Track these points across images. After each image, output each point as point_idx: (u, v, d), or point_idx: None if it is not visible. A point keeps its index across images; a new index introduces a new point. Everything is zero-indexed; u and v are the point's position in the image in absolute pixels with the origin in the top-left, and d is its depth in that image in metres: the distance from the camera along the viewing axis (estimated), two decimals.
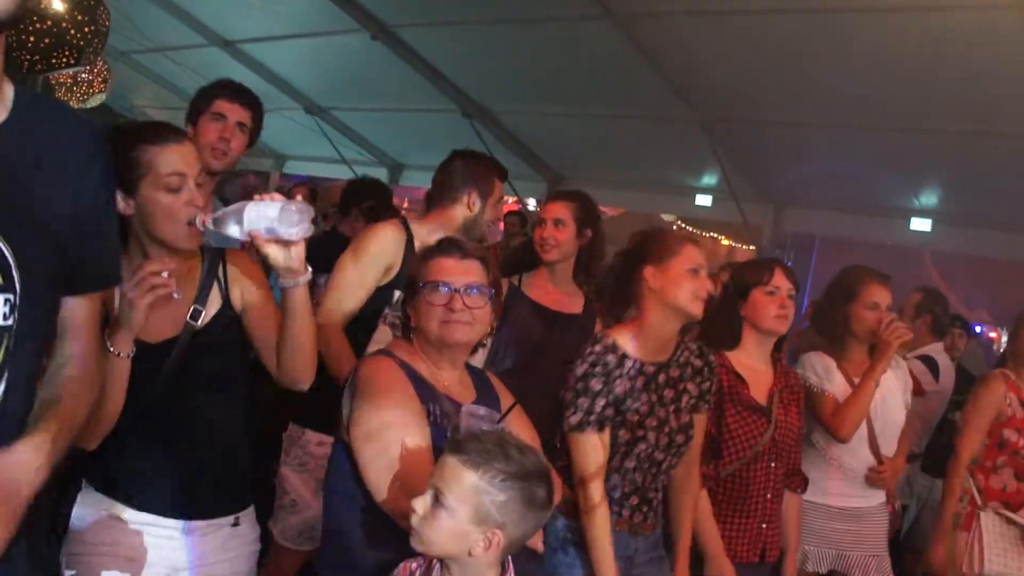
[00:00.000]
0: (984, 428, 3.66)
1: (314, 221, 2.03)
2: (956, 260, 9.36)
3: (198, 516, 2.25)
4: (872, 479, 3.44)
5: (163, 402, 2.16)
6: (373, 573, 2.04)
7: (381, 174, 9.84)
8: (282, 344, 2.23)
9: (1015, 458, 3.60)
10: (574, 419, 2.64)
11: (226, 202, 2.93)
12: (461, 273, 2.23)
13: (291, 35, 7.99)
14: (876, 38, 4.99)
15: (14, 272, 1.40)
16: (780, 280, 3.15)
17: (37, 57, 4.55)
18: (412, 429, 2.06)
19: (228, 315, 2.29)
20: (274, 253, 2.01)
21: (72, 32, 4.74)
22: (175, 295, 2.11)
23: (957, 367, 5.31)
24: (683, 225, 10.72)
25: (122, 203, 2.09)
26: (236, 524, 2.33)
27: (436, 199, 3.37)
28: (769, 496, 3.12)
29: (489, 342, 2.62)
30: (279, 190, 5.31)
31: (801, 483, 3.30)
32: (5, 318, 1.41)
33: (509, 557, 1.86)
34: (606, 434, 2.65)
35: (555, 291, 3.56)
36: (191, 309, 2.22)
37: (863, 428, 3.39)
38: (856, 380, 3.38)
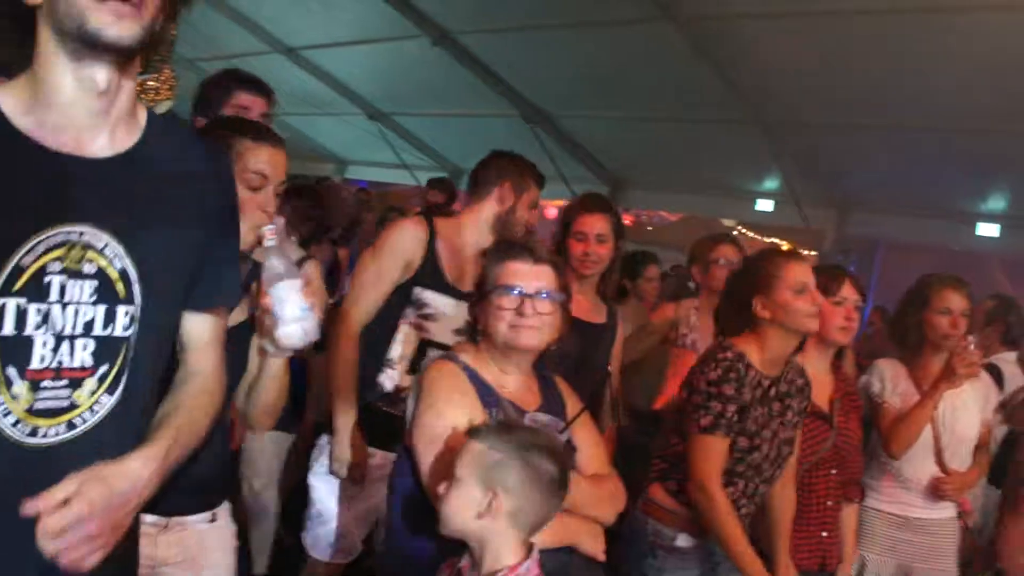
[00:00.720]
0: None
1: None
2: None
3: (177, 513, 2.23)
4: (935, 490, 3.40)
5: None
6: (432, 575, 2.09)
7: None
8: (254, 386, 2.17)
9: None
10: (705, 421, 2.68)
11: None
12: (533, 278, 2.24)
13: (353, 41, 8.12)
14: (942, 38, 4.93)
15: (135, 286, 1.48)
16: (848, 291, 3.16)
17: None
18: None
19: (248, 323, 2.27)
20: (289, 331, 1.88)
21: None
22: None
23: None
24: (743, 231, 10.65)
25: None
26: (213, 520, 2.32)
27: (470, 195, 3.36)
28: (830, 503, 3.12)
29: None
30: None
31: (858, 492, 3.30)
32: (125, 329, 1.47)
33: (536, 546, 1.92)
34: (729, 439, 2.70)
35: (585, 301, 3.44)
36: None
37: (928, 439, 3.36)
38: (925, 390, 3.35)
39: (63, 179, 1.43)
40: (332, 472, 3.16)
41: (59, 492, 1.32)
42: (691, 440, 2.72)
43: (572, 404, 2.39)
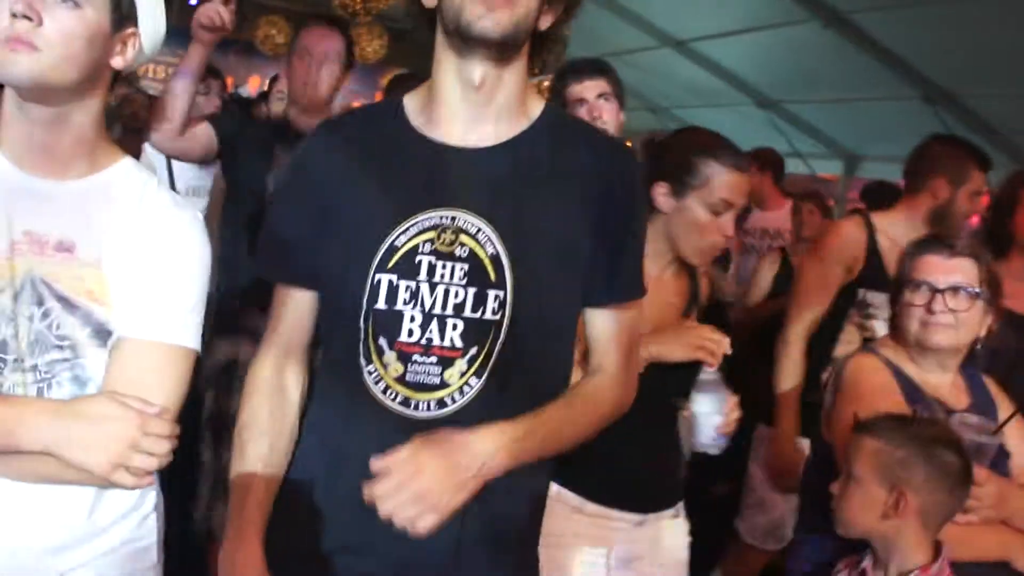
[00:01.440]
0: None
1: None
2: None
3: (652, 509, 2.39)
4: None
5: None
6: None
7: (836, 166, 9.63)
8: None
9: None
10: None
11: None
12: (946, 272, 2.18)
13: (742, 30, 8.10)
14: None
15: (507, 272, 1.53)
16: None
17: None
18: None
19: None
20: (702, 445, 2.25)
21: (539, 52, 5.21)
22: (672, 299, 2.37)
23: None
24: None
25: (662, 198, 2.29)
26: (677, 516, 2.45)
27: (905, 187, 3.29)
28: None
29: None
30: None
31: None
32: (495, 313, 1.53)
33: (942, 544, 1.84)
34: None
35: None
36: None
37: None
38: None
39: (439, 166, 1.56)
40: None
41: (400, 452, 1.44)
42: None
43: (1004, 406, 2.29)
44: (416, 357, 1.53)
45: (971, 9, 6.19)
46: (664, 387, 2.26)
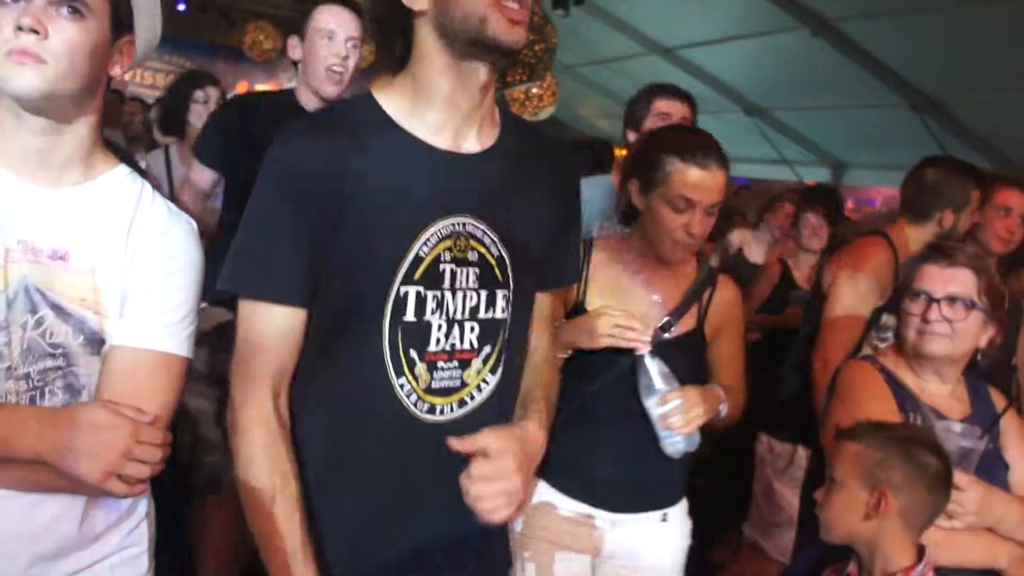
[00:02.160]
0: None
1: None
2: None
3: (627, 509, 2.38)
4: None
5: (605, 397, 2.30)
6: None
7: (823, 174, 9.68)
8: None
9: None
10: None
11: None
12: (943, 282, 2.18)
13: (729, 37, 8.13)
14: None
15: (509, 272, 1.63)
16: None
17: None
18: None
19: (697, 338, 2.39)
20: (670, 447, 2.24)
21: (525, 51, 5.23)
22: (654, 297, 2.33)
23: None
24: None
25: (635, 194, 2.31)
26: (664, 520, 2.43)
27: (907, 212, 3.27)
28: None
29: None
30: None
31: None
32: (503, 311, 1.63)
33: (928, 550, 1.86)
34: None
35: None
36: (664, 320, 2.32)
37: None
38: None
39: (446, 174, 1.57)
40: None
41: (482, 440, 1.46)
42: None
43: (1009, 418, 2.28)
44: (441, 364, 1.57)
45: (957, 18, 6.24)
46: (589, 380, 2.29)
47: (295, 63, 3.13)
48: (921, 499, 1.86)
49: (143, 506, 1.71)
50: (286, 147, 1.52)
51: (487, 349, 1.62)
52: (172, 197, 3.82)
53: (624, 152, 3.40)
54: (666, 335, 2.31)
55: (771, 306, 4.69)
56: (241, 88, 12.61)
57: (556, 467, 2.21)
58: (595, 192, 2.91)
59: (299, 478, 1.51)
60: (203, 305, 1.69)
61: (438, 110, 1.56)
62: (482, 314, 1.60)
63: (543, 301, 1.82)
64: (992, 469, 2.14)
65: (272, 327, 1.51)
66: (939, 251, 2.23)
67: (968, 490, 1.99)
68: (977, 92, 7.19)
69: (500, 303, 1.62)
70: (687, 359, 2.33)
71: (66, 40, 1.44)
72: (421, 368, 1.55)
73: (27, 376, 1.51)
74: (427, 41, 1.53)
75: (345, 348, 1.54)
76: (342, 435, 1.58)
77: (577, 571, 2.37)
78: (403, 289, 1.52)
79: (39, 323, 1.50)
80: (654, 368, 2.19)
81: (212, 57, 12.59)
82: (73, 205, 1.55)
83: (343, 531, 1.58)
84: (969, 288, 2.16)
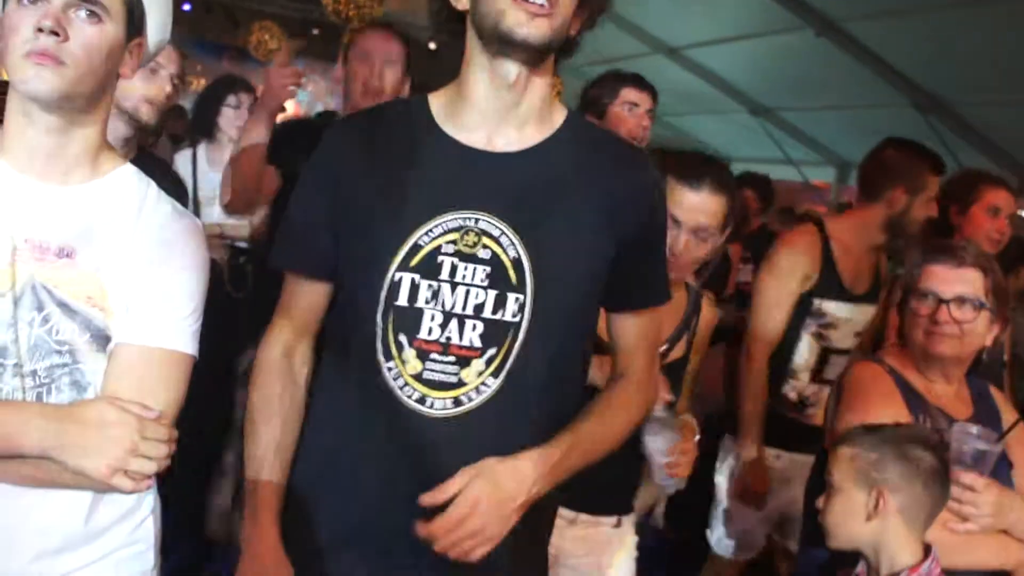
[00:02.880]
0: None
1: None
2: None
3: (585, 510, 2.40)
4: None
5: None
6: None
7: (829, 173, 9.69)
8: None
9: None
10: None
11: None
12: (952, 282, 2.16)
13: (734, 37, 8.15)
14: None
15: (528, 276, 1.57)
16: None
17: None
18: None
19: (684, 364, 2.42)
20: (662, 483, 2.24)
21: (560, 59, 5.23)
22: None
23: None
24: None
25: None
26: (618, 525, 2.46)
27: (861, 192, 3.27)
28: None
29: None
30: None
31: None
32: (514, 315, 1.57)
33: (935, 548, 1.86)
34: None
35: None
36: (664, 347, 2.33)
37: None
38: None
39: (467, 169, 1.58)
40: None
41: (451, 487, 1.50)
42: None
43: (1008, 417, 2.28)
44: (434, 355, 1.57)
45: (962, 18, 6.25)
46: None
47: (343, 89, 3.23)
48: (918, 495, 1.86)
49: (149, 502, 1.72)
50: (326, 138, 1.69)
51: (492, 351, 1.58)
52: (195, 198, 3.86)
53: None
54: (662, 362, 2.28)
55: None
56: None
57: None
58: None
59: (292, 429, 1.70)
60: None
61: (472, 107, 1.59)
62: (488, 314, 1.57)
63: (630, 322, 1.77)
64: (997, 468, 2.14)
65: (296, 295, 1.73)
66: (946, 250, 2.21)
67: (984, 492, 1.99)
68: (982, 92, 7.20)
69: (512, 306, 1.57)
70: (675, 384, 2.33)
71: (84, 42, 1.45)
72: (410, 354, 1.56)
73: (34, 373, 1.52)
74: (471, 39, 1.57)
75: (346, 328, 1.64)
76: (337, 413, 1.67)
77: None
78: (398, 275, 1.55)
79: (46, 320, 1.51)
80: (664, 420, 2.18)
81: (217, 57, 12.61)
82: (80, 203, 1.56)
83: (325, 505, 1.65)
84: (977, 288, 2.15)
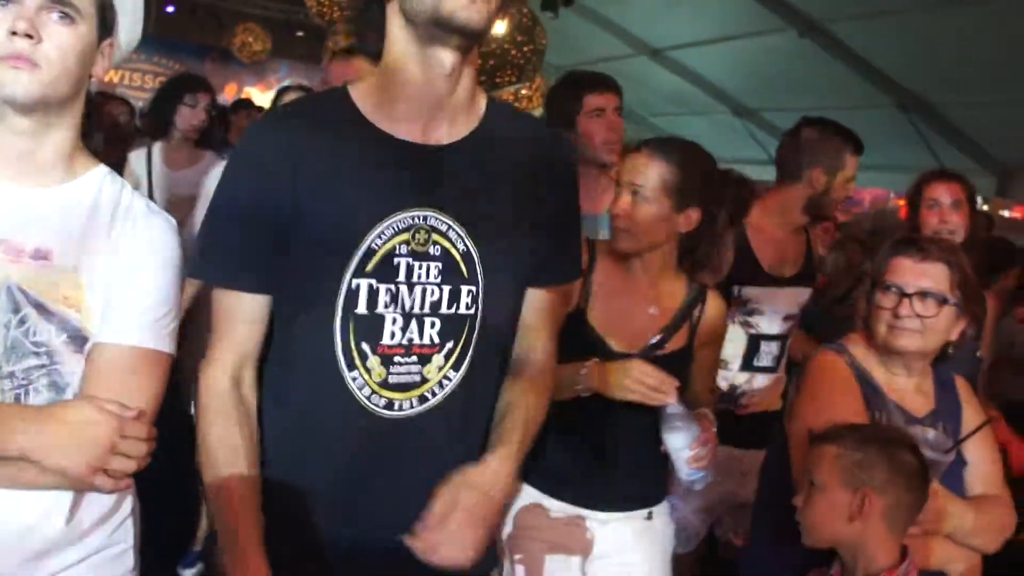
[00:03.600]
0: None
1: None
2: None
3: (615, 509, 2.40)
4: None
5: (589, 403, 2.26)
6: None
7: None
8: None
9: None
10: None
11: None
12: (916, 276, 2.14)
13: (718, 39, 8.16)
14: None
15: (477, 267, 1.59)
16: None
17: (483, 77, 5.07)
18: None
19: (687, 355, 2.39)
20: (688, 480, 2.21)
21: (513, 52, 5.24)
22: (651, 310, 2.33)
23: None
24: None
25: None
26: (649, 518, 2.44)
27: (779, 173, 3.21)
28: None
29: None
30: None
31: None
32: (468, 308, 1.59)
33: (910, 550, 1.86)
34: None
35: None
36: (659, 336, 2.33)
37: None
38: None
39: (408, 166, 1.55)
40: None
41: (438, 508, 1.50)
42: None
43: (970, 412, 2.26)
44: (398, 358, 1.56)
45: (946, 19, 6.28)
46: (601, 410, 2.27)
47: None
48: (902, 498, 1.86)
49: (128, 503, 1.71)
50: (248, 139, 1.60)
51: (449, 345, 1.59)
52: (151, 198, 3.83)
53: None
54: (658, 352, 2.31)
55: None
56: (230, 91, 12.60)
57: (543, 469, 2.20)
58: None
59: (256, 463, 1.57)
60: None
61: (405, 100, 1.55)
62: (444, 309, 1.57)
63: (539, 298, 1.75)
64: (950, 466, 2.14)
65: (236, 313, 1.59)
66: (912, 244, 2.20)
67: (929, 500, 1.99)
68: (965, 92, 7.23)
69: (465, 299, 1.58)
70: (677, 375, 2.30)
71: (59, 45, 1.45)
72: (374, 361, 1.54)
73: (11, 375, 1.50)
74: (395, 29, 1.53)
75: (299, 340, 1.57)
76: (297, 429, 1.61)
77: (567, 572, 2.37)
78: (355, 281, 1.52)
79: (22, 322, 1.50)
80: (680, 415, 2.17)
81: (201, 59, 12.58)
82: (55, 205, 1.55)
83: (296, 525, 1.60)
84: (941, 283, 2.12)
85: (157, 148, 4.12)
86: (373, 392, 1.55)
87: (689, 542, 3.33)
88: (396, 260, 1.53)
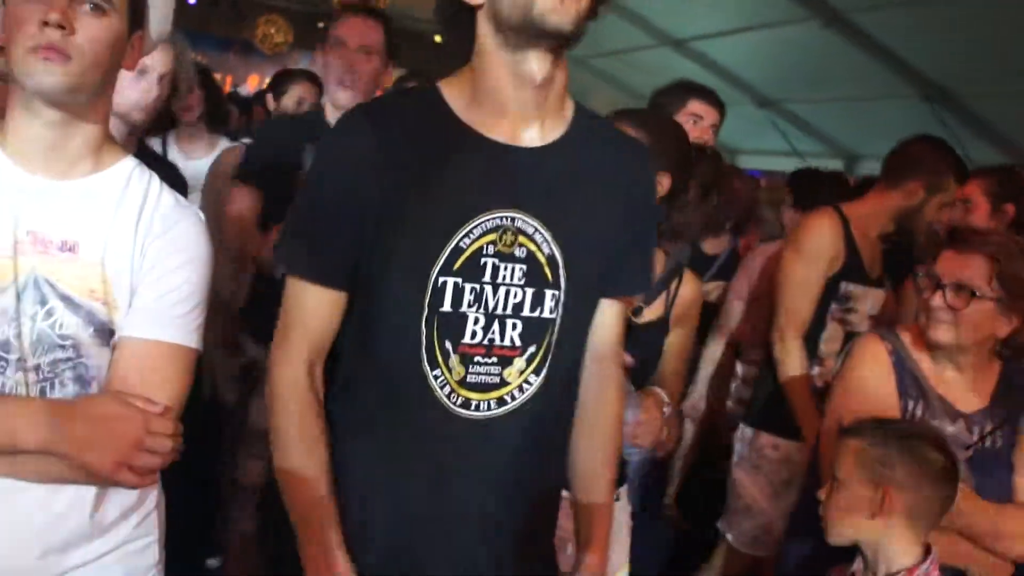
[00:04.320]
0: None
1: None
2: None
3: None
4: None
5: None
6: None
7: (836, 165, 9.61)
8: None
9: None
10: None
11: None
12: (953, 268, 2.14)
13: (740, 29, 8.11)
14: None
15: (561, 272, 1.58)
16: None
17: None
18: None
19: (663, 326, 2.38)
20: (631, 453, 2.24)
21: None
22: None
23: None
24: None
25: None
26: (618, 499, 2.37)
27: (882, 178, 3.23)
28: None
29: None
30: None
31: None
32: (551, 312, 1.58)
33: (934, 549, 1.84)
34: None
35: None
36: (636, 306, 2.32)
37: None
38: None
39: (499, 167, 1.55)
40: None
41: None
42: None
43: None
44: (478, 358, 1.55)
45: (969, 9, 6.21)
46: None
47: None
48: (926, 496, 1.84)
49: (153, 496, 1.71)
50: (339, 133, 1.60)
51: (532, 349, 1.58)
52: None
53: None
54: (634, 319, 2.29)
55: None
56: (252, 81, 12.63)
57: None
58: None
59: (330, 457, 1.57)
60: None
61: (495, 103, 1.55)
62: (527, 312, 1.57)
63: (611, 310, 1.76)
64: (994, 467, 2.12)
65: (313, 307, 1.57)
66: (957, 236, 2.20)
67: None
68: (989, 83, 7.15)
69: (548, 303, 1.58)
70: (652, 345, 2.34)
71: (90, 37, 1.45)
72: (455, 360, 1.54)
73: (37, 368, 1.51)
74: (485, 35, 1.52)
75: (383, 336, 1.56)
76: (378, 425, 1.60)
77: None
78: (441, 279, 1.51)
79: (49, 314, 1.50)
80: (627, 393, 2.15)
81: (223, 51, 12.61)
82: (83, 196, 1.55)
83: (374, 521, 1.59)
84: (978, 276, 2.10)
85: (172, 136, 4.11)
86: (452, 391, 1.55)
87: (769, 546, 3.30)
88: (483, 260, 1.53)
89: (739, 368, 3.83)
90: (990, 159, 7.42)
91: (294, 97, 4.50)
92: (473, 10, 1.52)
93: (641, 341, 2.23)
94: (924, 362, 2.21)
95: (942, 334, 2.14)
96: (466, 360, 1.54)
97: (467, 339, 1.54)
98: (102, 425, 1.44)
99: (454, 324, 1.53)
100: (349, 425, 1.61)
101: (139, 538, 1.68)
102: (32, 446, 1.43)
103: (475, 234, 1.52)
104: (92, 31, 1.46)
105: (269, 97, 4.81)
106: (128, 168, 1.62)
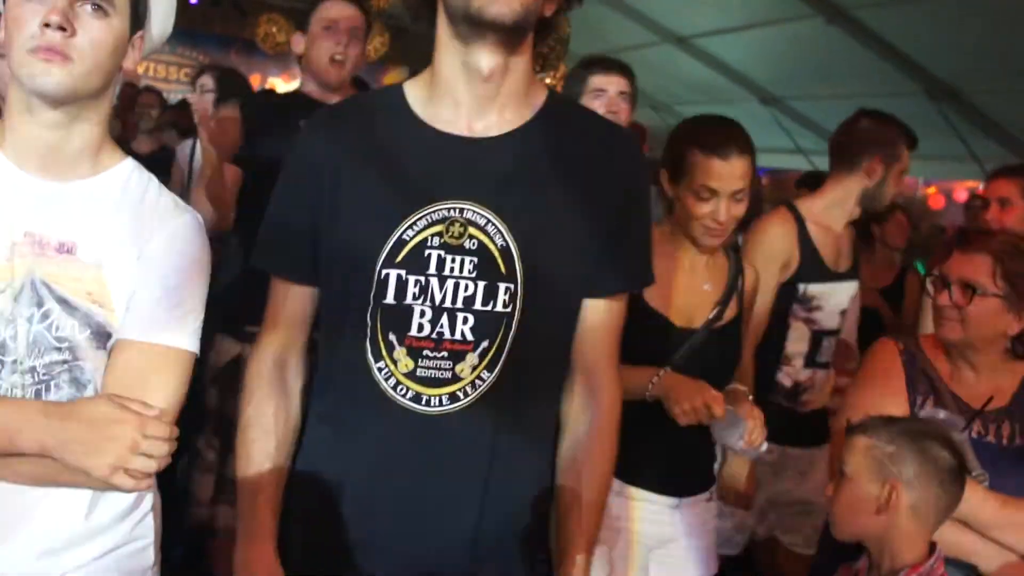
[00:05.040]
0: None
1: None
2: None
3: (686, 493, 2.47)
4: None
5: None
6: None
7: None
8: None
9: None
10: None
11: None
12: (958, 266, 2.17)
13: (743, 26, 8.08)
14: None
15: (517, 264, 1.53)
16: None
17: None
18: None
19: (739, 323, 2.47)
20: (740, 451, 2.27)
21: (537, 41, 5.19)
22: (705, 286, 2.42)
23: None
24: None
25: (666, 185, 2.41)
26: (710, 500, 2.53)
27: (833, 165, 3.21)
28: None
29: None
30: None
31: None
32: (506, 306, 1.53)
33: (940, 548, 1.84)
34: None
35: None
36: (715, 309, 2.40)
37: None
38: None
39: (448, 159, 1.55)
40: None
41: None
42: None
43: None
44: (427, 352, 1.53)
45: (975, 5, 6.18)
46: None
47: (299, 58, 3.27)
48: (933, 494, 1.84)
49: (149, 499, 1.72)
50: (303, 135, 1.67)
51: (484, 344, 1.54)
52: (189, 187, 3.88)
53: None
54: (716, 324, 2.39)
55: None
56: (254, 80, 12.63)
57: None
58: None
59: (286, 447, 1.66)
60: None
61: (450, 95, 1.55)
62: (478, 306, 1.53)
63: (598, 310, 1.67)
64: (1016, 465, 2.11)
65: (283, 301, 1.68)
66: (963, 235, 2.26)
67: None
68: (994, 79, 7.12)
69: (502, 296, 1.53)
70: (733, 345, 2.45)
71: (91, 38, 1.45)
72: (400, 352, 1.53)
73: (33, 370, 1.51)
74: (442, 27, 1.53)
75: (337, 330, 1.61)
76: (332, 416, 1.63)
77: (634, 557, 2.42)
78: (384, 271, 1.52)
79: (45, 316, 1.50)
80: (728, 417, 2.18)
81: (225, 50, 12.61)
82: (80, 198, 1.55)
83: (320, 514, 1.61)
84: (981, 273, 2.12)
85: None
86: (399, 383, 1.54)
87: (737, 545, 3.29)
88: (427, 252, 1.52)
89: None
90: (995, 156, 7.42)
91: None
92: (434, 4, 1.54)
93: (723, 342, 2.34)
94: (940, 362, 2.24)
95: (949, 331, 2.16)
96: (414, 353, 1.53)
97: (414, 332, 1.53)
98: (98, 428, 1.43)
99: (398, 317, 1.53)
100: (314, 415, 1.67)
101: (135, 540, 1.68)
102: (28, 448, 1.43)
103: (419, 226, 1.52)
104: (93, 32, 1.46)
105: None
106: (127, 170, 1.62)
